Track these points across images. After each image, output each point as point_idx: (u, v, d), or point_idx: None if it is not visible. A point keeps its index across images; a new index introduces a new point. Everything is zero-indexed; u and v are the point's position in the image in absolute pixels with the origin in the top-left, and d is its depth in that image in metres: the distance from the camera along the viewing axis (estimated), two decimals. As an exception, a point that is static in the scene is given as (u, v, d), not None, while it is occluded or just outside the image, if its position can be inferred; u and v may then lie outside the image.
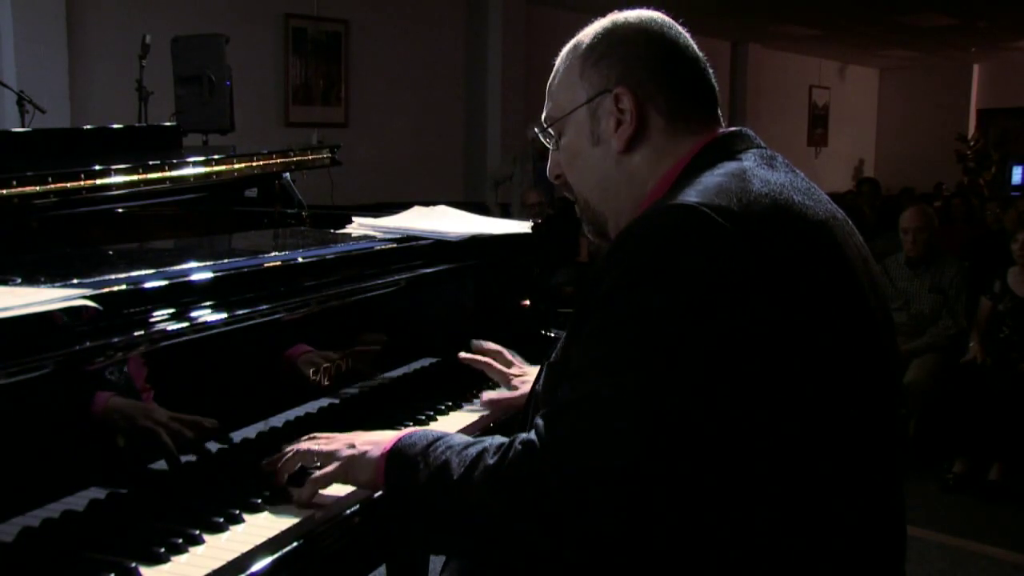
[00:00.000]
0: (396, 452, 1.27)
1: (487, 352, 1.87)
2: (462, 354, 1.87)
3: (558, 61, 1.40)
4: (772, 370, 1.08)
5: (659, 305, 1.08)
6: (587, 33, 1.36)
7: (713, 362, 1.06)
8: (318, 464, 1.38)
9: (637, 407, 1.05)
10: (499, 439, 1.19)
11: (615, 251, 1.16)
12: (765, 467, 1.10)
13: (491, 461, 1.14)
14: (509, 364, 1.86)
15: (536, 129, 1.46)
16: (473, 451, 1.18)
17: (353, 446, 1.35)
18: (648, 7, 1.38)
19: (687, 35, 1.36)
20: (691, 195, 1.14)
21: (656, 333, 1.07)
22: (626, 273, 1.11)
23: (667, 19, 1.36)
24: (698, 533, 1.11)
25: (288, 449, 1.41)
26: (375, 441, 1.33)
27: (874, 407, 1.19)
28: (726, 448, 1.08)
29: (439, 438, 1.25)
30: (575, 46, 1.37)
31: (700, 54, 1.35)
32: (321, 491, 1.36)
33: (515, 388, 1.81)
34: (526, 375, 1.83)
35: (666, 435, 1.05)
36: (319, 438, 1.42)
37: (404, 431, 1.32)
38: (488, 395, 1.83)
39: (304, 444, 1.41)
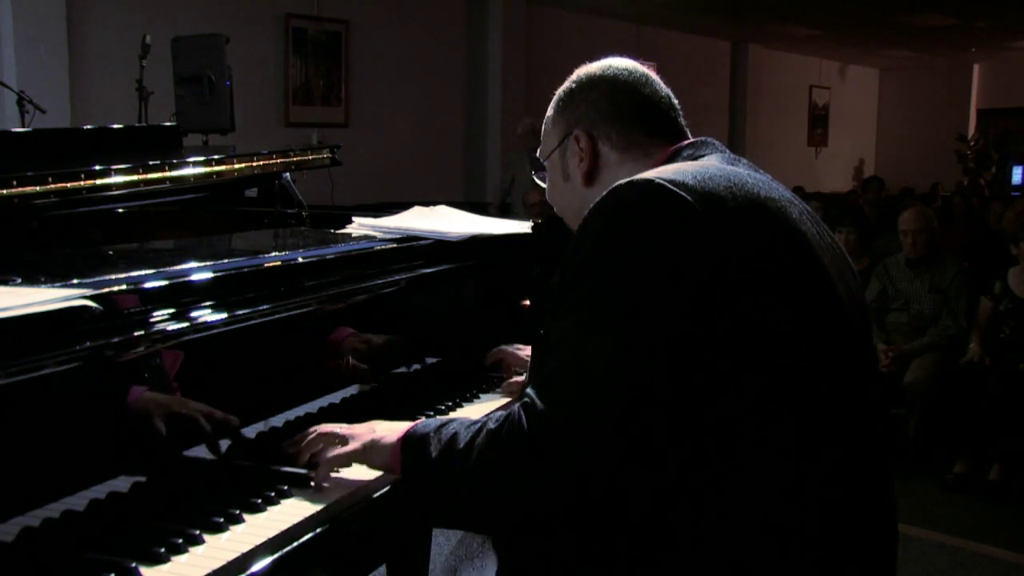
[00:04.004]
0: (410, 434, 1.35)
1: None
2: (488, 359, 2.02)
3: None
4: (736, 330, 1.15)
5: (626, 271, 1.17)
6: (563, 86, 1.54)
7: (678, 321, 1.14)
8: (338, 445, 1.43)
9: (615, 367, 1.14)
10: (502, 412, 1.26)
11: (583, 227, 1.25)
12: (737, 431, 1.15)
13: (493, 427, 1.23)
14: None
15: (533, 172, 1.66)
16: (479, 423, 1.27)
17: (373, 431, 1.42)
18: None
19: (648, 72, 1.50)
20: (649, 175, 1.23)
21: (625, 298, 1.16)
22: (594, 244, 1.21)
23: (626, 63, 1.51)
24: (681, 497, 1.17)
25: (311, 430, 1.47)
26: (393, 428, 1.41)
27: (845, 384, 1.23)
28: (700, 409, 1.15)
29: (451, 420, 1.34)
30: (555, 96, 1.55)
31: (659, 88, 1.49)
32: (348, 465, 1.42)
33: None
34: None
35: (641, 392, 1.13)
36: (339, 425, 1.47)
37: (419, 420, 1.39)
38: (515, 379, 1.97)
39: (325, 427, 1.47)
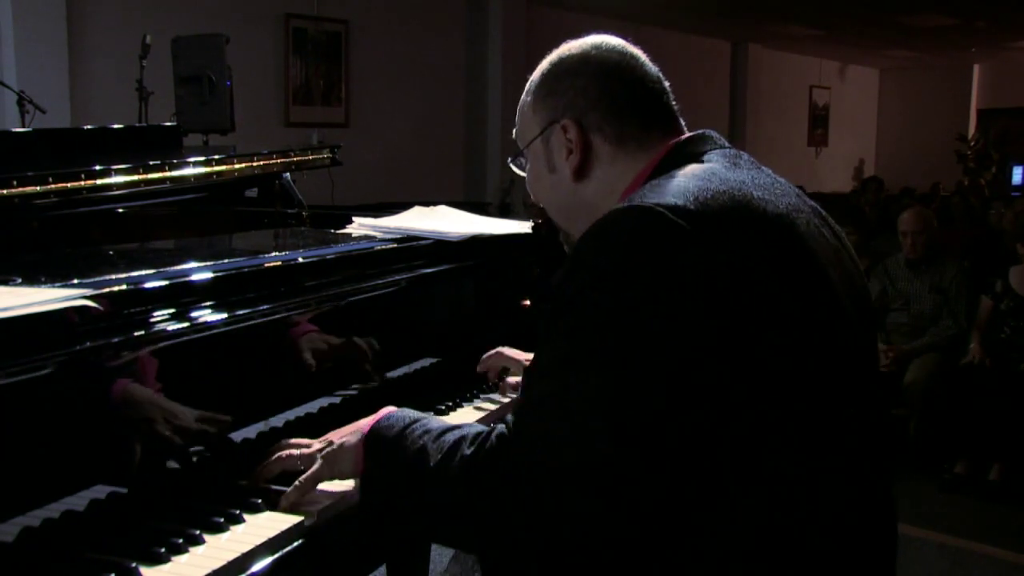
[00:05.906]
0: (373, 436, 1.29)
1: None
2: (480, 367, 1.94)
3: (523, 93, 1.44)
4: (735, 364, 1.09)
5: (621, 304, 1.10)
6: (540, 66, 1.41)
7: (675, 359, 1.07)
8: (302, 468, 1.37)
9: (601, 405, 1.07)
10: (477, 427, 1.20)
11: (577, 253, 1.18)
12: (738, 462, 1.11)
13: (468, 452, 1.16)
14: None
15: (509, 159, 1.51)
16: (450, 438, 1.20)
17: (331, 442, 1.36)
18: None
19: (637, 54, 1.38)
20: (649, 197, 1.16)
21: (618, 332, 1.09)
22: (588, 274, 1.13)
23: (613, 42, 1.38)
24: (673, 528, 1.12)
25: (271, 457, 1.42)
26: (353, 429, 1.35)
27: (850, 397, 1.20)
28: (696, 443, 1.09)
29: (415, 420, 1.27)
30: (531, 80, 1.42)
31: (651, 71, 1.37)
32: (313, 490, 1.36)
33: None
34: None
35: (631, 432, 1.07)
36: (300, 443, 1.42)
37: (381, 412, 1.32)
38: (512, 379, 1.91)
39: (284, 451, 1.42)
